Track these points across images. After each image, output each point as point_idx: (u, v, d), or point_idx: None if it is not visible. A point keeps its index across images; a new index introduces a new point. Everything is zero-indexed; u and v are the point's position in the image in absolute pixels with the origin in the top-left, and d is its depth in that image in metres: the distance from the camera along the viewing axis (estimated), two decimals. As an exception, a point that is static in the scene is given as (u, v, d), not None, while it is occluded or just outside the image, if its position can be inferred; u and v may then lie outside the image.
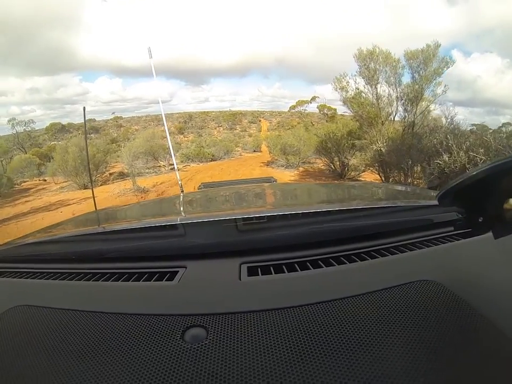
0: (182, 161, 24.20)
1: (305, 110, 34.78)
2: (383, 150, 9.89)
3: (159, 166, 18.78)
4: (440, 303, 0.55)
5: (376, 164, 10.75)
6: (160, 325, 0.55)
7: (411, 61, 10.06)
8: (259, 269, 0.71)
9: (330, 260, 0.73)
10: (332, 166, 14.35)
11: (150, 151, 18.02)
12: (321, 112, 32.24)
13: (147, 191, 12.40)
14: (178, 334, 0.52)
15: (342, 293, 0.59)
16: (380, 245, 0.78)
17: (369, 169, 11.83)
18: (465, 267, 0.68)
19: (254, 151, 33.53)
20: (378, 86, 10.74)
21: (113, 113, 48.67)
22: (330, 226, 0.87)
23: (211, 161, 24.28)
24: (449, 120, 8.63)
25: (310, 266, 0.70)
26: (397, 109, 10.64)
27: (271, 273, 0.69)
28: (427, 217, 0.88)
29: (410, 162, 8.52)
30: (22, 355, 0.52)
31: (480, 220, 0.62)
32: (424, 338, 0.49)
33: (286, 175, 14.74)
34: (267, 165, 19.63)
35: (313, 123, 29.69)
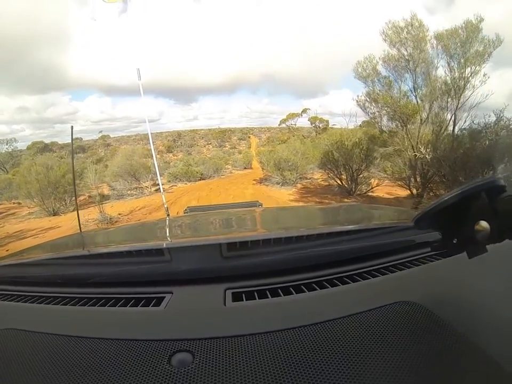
0: (169, 181, 22.39)
1: (294, 124, 33.20)
2: (427, 157, 7.77)
3: (141, 188, 16.58)
4: (420, 324, 0.56)
5: (410, 175, 8.83)
6: (148, 350, 0.54)
7: (445, 42, 7.81)
8: (243, 295, 0.70)
9: (313, 284, 0.73)
10: (338, 181, 12.29)
11: (130, 171, 15.86)
12: (313, 125, 30.68)
13: (116, 221, 10.00)
14: (165, 358, 0.52)
15: (325, 316, 0.59)
16: (361, 268, 0.79)
17: (397, 182, 9.92)
18: (442, 287, 0.69)
19: (245, 168, 32.14)
20: (410, 74, 8.34)
21: (100, 132, 47.30)
22: (312, 251, 0.85)
23: (200, 180, 22.36)
24: (497, 115, 6.86)
25: (293, 291, 0.70)
26: (431, 104, 8.18)
27: (255, 299, 0.68)
28: (405, 239, 0.90)
29: (468, 172, 6.65)
30: (4, 379, 0.52)
31: (454, 241, 0.60)
32: (404, 359, 0.49)
33: (283, 194, 12.89)
34: (260, 183, 17.83)
35: (305, 137, 28.11)
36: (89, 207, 13.06)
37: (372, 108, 9.31)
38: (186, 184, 20.77)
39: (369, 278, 0.75)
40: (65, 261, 0.95)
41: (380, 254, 0.86)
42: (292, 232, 1.14)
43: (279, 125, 33.04)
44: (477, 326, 0.55)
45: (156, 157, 6.91)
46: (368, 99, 9.24)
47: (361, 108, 9.57)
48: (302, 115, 32.00)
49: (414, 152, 7.99)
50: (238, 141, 55.26)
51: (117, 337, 0.58)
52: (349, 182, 11.62)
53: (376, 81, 8.98)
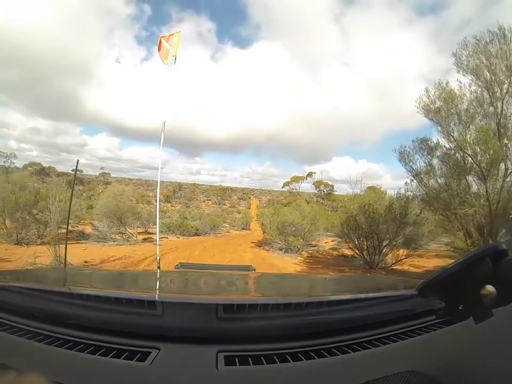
0: (161, 231, 20.26)
1: (295, 188, 31.94)
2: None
3: (127, 234, 14.39)
4: None
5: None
6: None
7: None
8: (236, 359, 0.66)
9: (311, 353, 0.69)
10: (357, 251, 10.29)
11: (116, 213, 13.81)
12: (318, 189, 29.50)
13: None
14: None
15: None
16: (362, 338, 0.76)
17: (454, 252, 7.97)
18: (449, 355, 0.65)
19: (243, 228, 30.43)
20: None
21: (101, 168, 46.46)
22: (312, 318, 0.81)
23: (194, 235, 20.29)
24: None
25: (290, 359, 0.67)
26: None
27: (249, 364, 0.65)
28: (409, 307, 0.87)
29: None
30: None
31: (460, 308, 0.60)
32: None
33: (288, 263, 10.87)
34: (259, 246, 15.84)
35: (308, 201, 26.67)
36: (61, 243, 10.95)
37: (424, 156, 7.70)
38: (178, 238, 18.65)
39: (371, 348, 0.71)
40: (46, 295, 0.87)
41: (382, 323, 0.82)
42: (292, 299, 1.11)
43: (282, 187, 31.91)
44: None
45: (158, 205, 6.41)
46: (422, 146, 7.64)
47: (404, 161, 7.97)
48: (306, 179, 30.96)
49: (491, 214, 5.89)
50: (238, 200, 54.94)
51: None
52: (372, 253, 9.62)
53: (452, 116, 7.09)
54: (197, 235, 20.61)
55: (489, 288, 0.51)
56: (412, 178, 8.20)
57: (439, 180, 7.49)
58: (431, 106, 7.29)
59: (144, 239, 16.05)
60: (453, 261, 0.54)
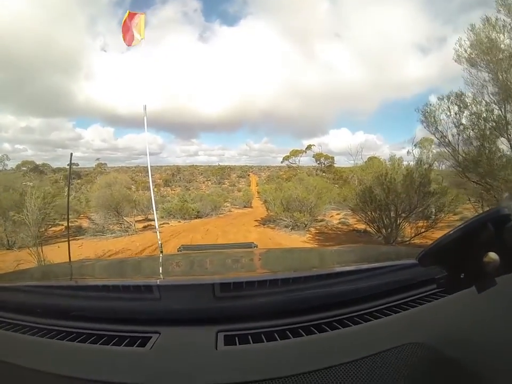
0: (162, 217, 19.62)
1: (294, 163, 30.68)
2: None
3: (122, 224, 13.62)
4: (431, 365, 0.54)
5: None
6: None
7: None
8: (236, 338, 0.65)
9: (311, 327, 0.68)
10: (372, 226, 9.23)
11: (111, 202, 12.95)
12: (318, 162, 28.39)
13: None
14: None
15: (326, 362, 0.55)
16: (364, 310, 0.74)
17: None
18: (451, 325, 0.65)
19: (245, 206, 29.71)
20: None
21: (97, 159, 45.23)
22: (311, 292, 0.79)
23: (196, 218, 19.56)
24: None
25: (290, 335, 0.65)
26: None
27: (249, 343, 0.63)
28: (409, 277, 0.85)
29: None
30: None
31: (462, 276, 0.57)
32: None
33: (296, 241, 10.20)
34: (264, 224, 15.10)
35: (308, 175, 25.78)
36: (57, 242, 10.14)
37: (452, 117, 6.71)
38: (179, 222, 17.94)
39: (372, 320, 0.69)
40: (47, 290, 0.89)
41: (383, 294, 0.80)
42: (290, 273, 1.08)
43: (281, 162, 30.60)
44: (491, 364, 0.51)
45: (152, 189, 6.32)
46: (453, 102, 6.56)
47: (428, 122, 6.97)
48: (306, 152, 29.70)
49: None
50: (237, 178, 53.96)
51: (94, 378, 0.53)
52: (388, 226, 8.60)
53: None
54: (199, 217, 19.91)
55: (492, 255, 0.48)
56: (438, 141, 7.19)
57: (474, 143, 6.48)
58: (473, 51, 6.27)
59: (144, 227, 15.33)
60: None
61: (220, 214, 22.69)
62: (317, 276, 0.88)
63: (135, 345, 0.63)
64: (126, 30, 6.31)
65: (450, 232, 0.53)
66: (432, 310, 0.72)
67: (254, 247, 2.54)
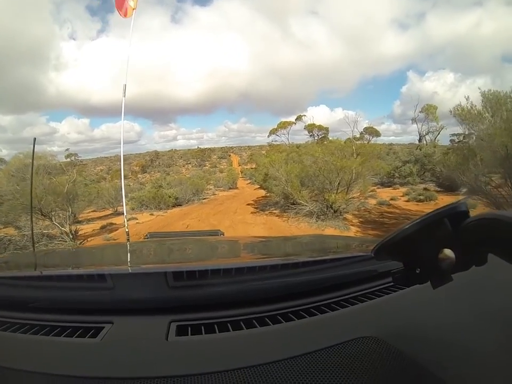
0: (132, 209, 15.04)
1: (275, 141, 25.73)
2: None
3: (52, 228, 8.42)
4: (381, 359, 0.51)
5: None
6: None
7: None
8: (189, 328, 0.62)
9: (266, 318, 0.64)
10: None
11: (25, 200, 7.88)
12: (310, 134, 23.85)
13: None
14: None
15: (278, 355, 0.52)
16: (318, 302, 0.70)
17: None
18: (405, 319, 0.64)
19: (230, 188, 25.17)
20: None
21: (66, 150, 39.10)
22: (266, 283, 0.75)
23: (174, 206, 14.86)
24: None
25: (244, 326, 0.62)
26: None
27: (202, 333, 0.60)
28: (366, 269, 0.81)
29: None
30: None
31: (417, 271, 0.54)
32: None
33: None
34: (263, 210, 10.95)
35: (298, 146, 21.26)
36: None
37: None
38: (152, 214, 13.22)
39: (328, 312, 0.66)
40: (3, 281, 0.82)
41: (339, 286, 0.76)
42: (245, 263, 1.03)
43: (268, 136, 25.65)
44: (442, 359, 0.50)
45: (123, 178, 5.60)
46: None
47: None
48: (296, 123, 24.96)
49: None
50: (218, 159, 49.75)
51: (45, 371, 0.50)
52: None
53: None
54: (178, 205, 15.27)
55: (447, 252, 0.46)
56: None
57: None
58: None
59: (102, 228, 10.59)
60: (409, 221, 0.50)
61: (204, 198, 18.06)
62: (272, 265, 0.84)
63: (87, 336, 0.59)
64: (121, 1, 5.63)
65: (406, 226, 0.49)
66: (386, 303, 0.69)
67: (220, 234, 2.38)
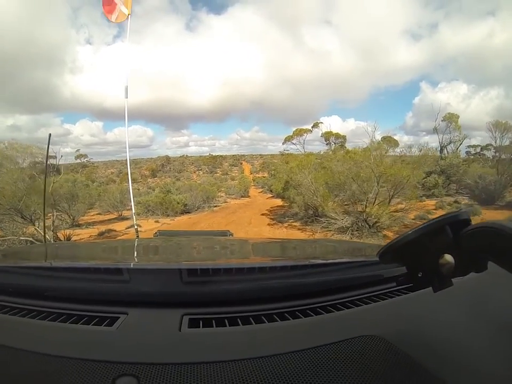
0: (139, 214, 13.65)
1: (287, 150, 24.08)
2: None
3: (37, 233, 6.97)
4: (382, 357, 0.53)
5: None
6: (92, 371, 0.49)
7: None
8: (201, 321, 0.64)
9: (274, 315, 0.66)
10: None
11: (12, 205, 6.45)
12: (327, 142, 22.28)
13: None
14: (109, 381, 0.48)
15: (283, 348, 0.54)
16: (325, 302, 0.72)
17: None
18: (407, 321, 0.65)
19: (242, 196, 23.73)
20: None
21: (77, 150, 38.31)
22: (276, 282, 0.76)
23: (183, 213, 13.51)
24: None
25: (253, 321, 0.64)
26: None
27: (213, 326, 0.62)
28: (371, 273, 0.82)
29: None
30: None
31: (419, 275, 0.57)
32: None
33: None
34: (281, 222, 9.56)
35: (318, 158, 19.68)
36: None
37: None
38: (157, 222, 11.87)
39: (333, 312, 0.68)
40: (20, 270, 0.85)
41: (344, 288, 0.77)
42: (256, 263, 1.05)
43: (283, 143, 23.95)
44: (441, 360, 0.51)
45: (131, 182, 5.64)
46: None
47: None
48: (312, 131, 23.40)
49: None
50: (229, 167, 48.45)
51: (63, 354, 0.52)
52: None
53: None
54: (187, 212, 13.93)
55: (448, 257, 0.47)
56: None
57: None
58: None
59: (100, 234, 9.24)
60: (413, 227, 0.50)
61: (214, 206, 16.67)
62: (282, 266, 0.88)
63: (103, 325, 0.61)
64: (110, 4, 5.56)
65: (410, 232, 0.51)
66: (390, 306, 0.71)
67: (229, 235, 2.38)
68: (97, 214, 16.03)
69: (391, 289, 0.76)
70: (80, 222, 12.99)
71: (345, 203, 7.10)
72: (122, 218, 14.38)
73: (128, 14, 5.60)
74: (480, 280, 0.52)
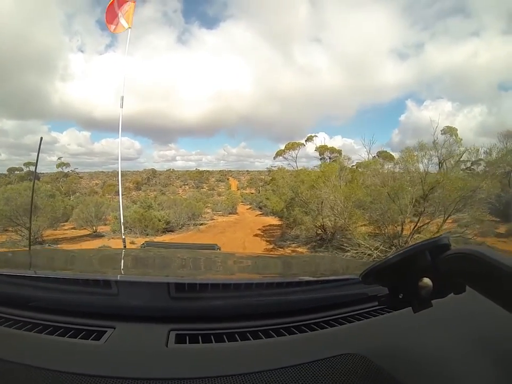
0: (114, 231, 11.90)
1: (273, 166, 22.49)
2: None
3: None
4: (364, 376, 0.53)
5: None
6: None
7: None
8: (187, 337, 0.63)
9: (259, 332, 0.66)
10: None
11: None
12: (321, 157, 20.93)
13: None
14: None
15: (267, 365, 0.54)
16: (311, 320, 0.71)
17: None
18: (388, 340, 0.65)
19: (230, 213, 21.91)
20: None
21: (59, 158, 35.67)
22: (261, 300, 0.75)
23: (164, 232, 11.62)
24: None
25: (238, 338, 0.63)
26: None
27: (199, 342, 0.62)
28: (356, 291, 0.81)
29: None
30: None
31: (400, 296, 0.58)
32: None
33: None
34: (281, 248, 7.66)
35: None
36: None
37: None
38: (133, 243, 9.88)
39: (317, 330, 0.67)
40: (5, 278, 0.78)
41: (328, 307, 0.77)
42: (242, 279, 1.02)
43: (274, 158, 22.24)
44: (420, 378, 0.53)
45: (121, 194, 5.60)
46: None
47: None
48: (305, 144, 21.95)
49: None
50: (216, 182, 46.83)
51: (48, 367, 0.51)
52: None
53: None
54: (169, 231, 12.05)
55: (426, 280, 0.49)
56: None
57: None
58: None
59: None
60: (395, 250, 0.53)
61: (200, 224, 14.82)
62: (268, 283, 0.85)
63: (90, 339, 0.60)
64: (112, 15, 5.64)
65: (392, 256, 0.53)
66: (373, 324, 0.71)
67: (217, 249, 2.29)
68: (71, 228, 14.00)
69: (372, 309, 0.75)
70: (44, 239, 10.94)
71: (373, 226, 5.56)
72: (96, 236, 12.36)
73: (128, 27, 5.67)
74: (460, 300, 0.51)
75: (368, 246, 5.11)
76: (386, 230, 5.30)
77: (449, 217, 5.33)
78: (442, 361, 0.55)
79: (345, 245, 5.62)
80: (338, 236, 6.21)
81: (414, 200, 5.20)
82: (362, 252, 5.19)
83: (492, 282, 0.41)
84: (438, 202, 5.22)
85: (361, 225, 5.67)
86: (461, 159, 6.33)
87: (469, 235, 5.41)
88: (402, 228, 5.22)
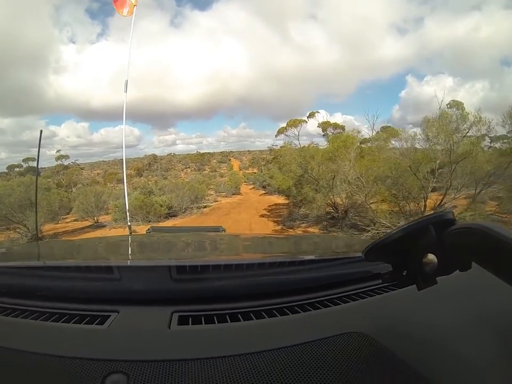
0: (116, 220, 11.43)
1: (274, 145, 21.43)
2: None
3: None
4: (366, 354, 0.53)
5: None
6: (83, 369, 0.49)
7: None
8: (190, 319, 0.63)
9: (262, 312, 0.66)
10: None
11: None
12: (324, 134, 19.99)
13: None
14: (99, 379, 0.48)
15: (270, 345, 0.54)
16: (314, 298, 0.71)
17: None
18: (392, 318, 0.64)
19: (233, 194, 21.42)
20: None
21: (58, 151, 35.12)
22: (264, 279, 0.75)
23: (167, 218, 11.15)
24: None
25: (241, 318, 0.63)
26: None
27: (202, 323, 0.62)
28: (357, 270, 0.80)
29: None
30: None
31: (404, 273, 0.56)
32: None
33: None
34: (291, 228, 7.08)
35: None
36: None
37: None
38: (135, 232, 9.43)
39: (321, 308, 0.67)
40: (10, 270, 0.82)
41: (332, 285, 0.76)
42: (244, 259, 1.00)
43: (275, 136, 21.23)
44: (424, 357, 0.51)
45: (126, 183, 5.74)
46: None
47: None
48: (307, 121, 20.95)
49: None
50: (218, 163, 46.05)
51: (55, 353, 0.52)
52: None
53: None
54: (172, 216, 11.55)
55: (431, 256, 0.46)
56: None
57: None
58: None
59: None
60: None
61: (204, 207, 14.30)
62: (270, 263, 0.83)
63: (94, 323, 0.61)
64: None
65: (395, 231, 0.51)
66: (376, 302, 0.70)
67: (222, 231, 2.18)
68: (74, 220, 13.63)
69: (376, 286, 0.75)
70: (44, 234, 10.56)
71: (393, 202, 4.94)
72: (97, 226, 11.96)
73: (135, 5, 5.51)
74: (465, 277, 0.50)
75: (390, 224, 4.53)
76: (408, 207, 4.69)
77: (480, 192, 4.70)
78: (447, 339, 0.54)
79: (359, 223, 5.05)
80: (351, 214, 5.65)
81: (437, 174, 4.56)
82: (383, 232, 4.63)
83: (500, 258, 0.38)
84: (466, 175, 4.57)
85: (382, 202, 5.06)
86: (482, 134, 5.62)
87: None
88: (425, 205, 4.63)
